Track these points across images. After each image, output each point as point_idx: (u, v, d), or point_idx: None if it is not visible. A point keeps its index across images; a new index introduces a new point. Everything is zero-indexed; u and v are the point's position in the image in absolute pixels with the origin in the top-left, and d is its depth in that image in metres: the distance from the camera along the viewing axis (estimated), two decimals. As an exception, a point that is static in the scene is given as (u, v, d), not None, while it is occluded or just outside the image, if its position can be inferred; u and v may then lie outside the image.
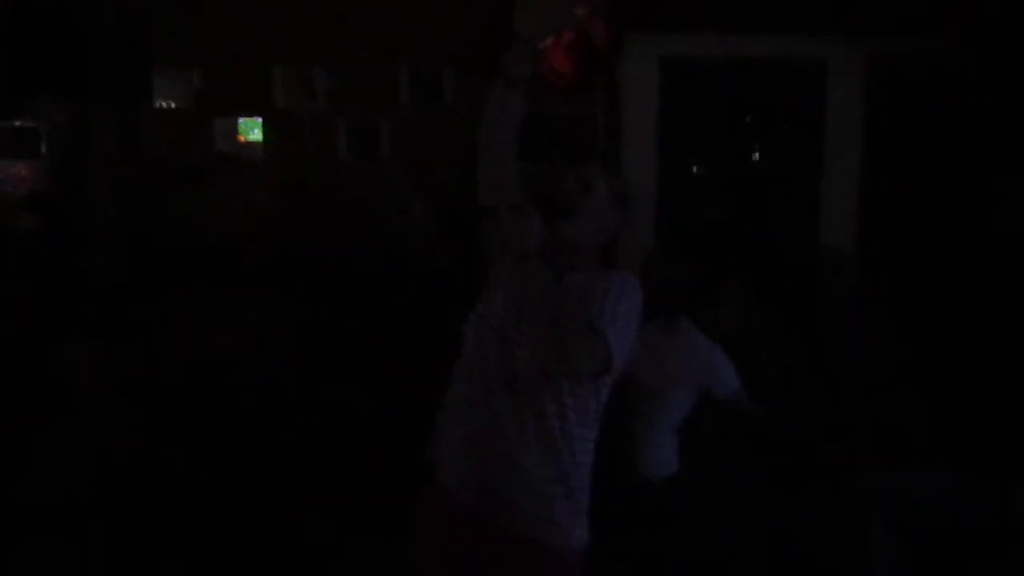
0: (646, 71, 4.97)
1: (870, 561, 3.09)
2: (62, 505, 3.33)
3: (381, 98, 5.22)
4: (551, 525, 1.94)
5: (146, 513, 3.39)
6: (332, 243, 5.13)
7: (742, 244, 5.09)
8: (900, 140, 4.66)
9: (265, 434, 3.93)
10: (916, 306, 3.92)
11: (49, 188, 5.21)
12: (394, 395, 4.13)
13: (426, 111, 5.18)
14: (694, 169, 5.27)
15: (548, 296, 1.90)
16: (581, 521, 2.01)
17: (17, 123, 5.29)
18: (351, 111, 5.25)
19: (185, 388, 3.97)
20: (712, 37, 4.83)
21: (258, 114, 5.41)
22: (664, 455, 3.12)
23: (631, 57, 4.95)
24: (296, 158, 5.33)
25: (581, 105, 4.97)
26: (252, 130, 5.46)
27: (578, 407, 1.94)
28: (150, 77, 5.46)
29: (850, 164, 4.76)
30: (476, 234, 2.13)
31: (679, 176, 5.13)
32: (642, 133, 5.00)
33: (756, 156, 5.21)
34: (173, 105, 5.51)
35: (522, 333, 1.92)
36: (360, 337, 4.51)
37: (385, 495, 3.42)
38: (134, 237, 4.85)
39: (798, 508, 3.27)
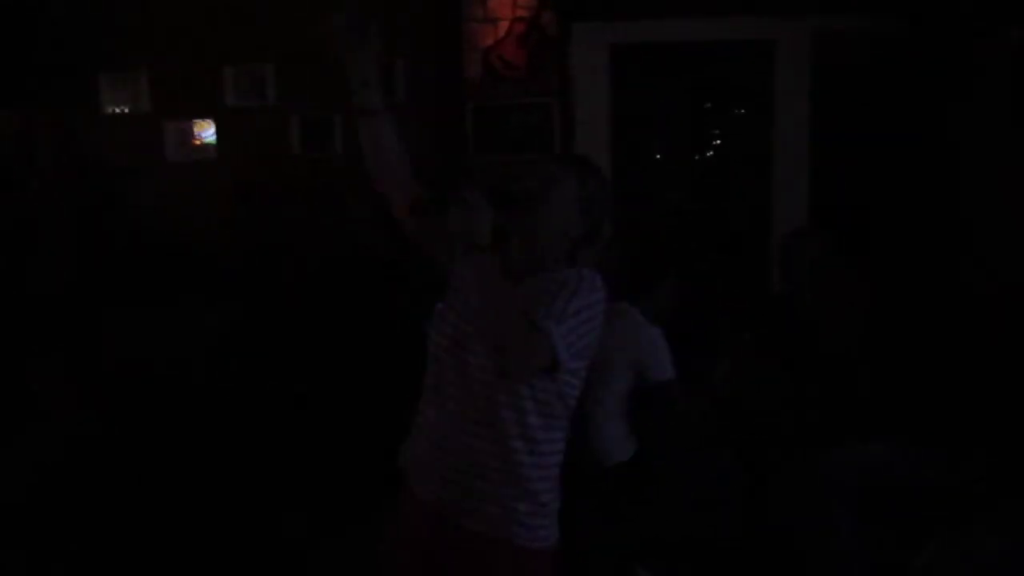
0: (596, 59, 4.98)
1: (831, 534, 3.14)
2: (19, 515, 3.29)
3: (333, 94, 5.20)
4: (514, 526, 1.91)
5: (103, 524, 3.35)
6: (289, 239, 5.10)
7: (697, 226, 5.13)
8: (848, 116, 4.71)
9: (226, 436, 3.90)
10: (869, 279, 3.97)
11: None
12: (357, 390, 4.12)
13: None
14: (650, 154, 5.29)
15: (496, 293, 1.84)
16: (548, 521, 1.97)
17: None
18: (303, 107, 5.22)
19: (139, 394, 3.93)
20: (658, 23, 4.86)
21: (209, 115, 5.37)
22: (615, 441, 3.13)
23: (581, 45, 4.97)
24: (249, 156, 5.29)
25: (534, 95, 4.97)
26: (205, 131, 5.41)
27: (539, 409, 1.88)
28: (97, 81, 5.40)
29: (800, 142, 4.80)
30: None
31: (632, 162, 5.15)
32: (595, 120, 5.02)
33: (708, 139, 5.24)
34: (125, 109, 5.45)
35: (472, 332, 1.88)
36: (321, 334, 4.50)
37: (354, 496, 3.42)
38: (82, 243, 4.79)
39: (757, 486, 3.30)
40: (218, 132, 5.39)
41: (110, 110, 5.46)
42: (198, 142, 5.44)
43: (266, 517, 3.59)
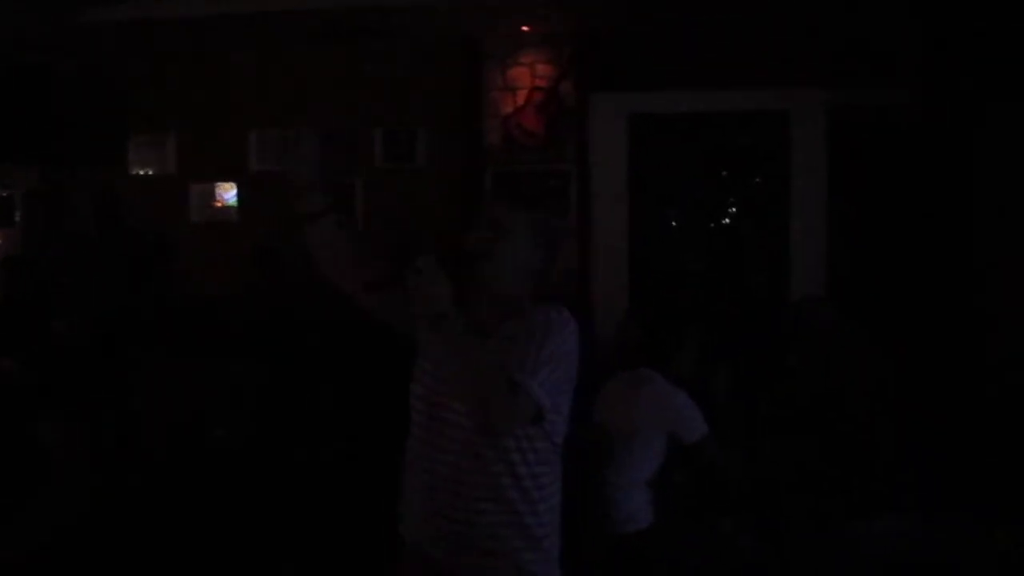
0: (614, 128, 5.08)
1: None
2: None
3: (356, 159, 5.30)
4: (517, 573, 1.92)
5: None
6: (308, 301, 5.14)
7: (714, 292, 5.14)
8: (862, 186, 4.77)
9: (240, 497, 3.88)
10: (887, 349, 3.96)
11: (23, 254, 5.22)
12: (372, 456, 4.10)
13: (398, 171, 5.25)
14: (667, 221, 5.35)
15: (468, 355, 1.79)
16: (550, 569, 1.96)
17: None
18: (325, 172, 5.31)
19: (158, 454, 3.93)
20: (678, 93, 4.96)
21: (233, 178, 5.47)
22: (636, 508, 3.11)
23: (599, 115, 5.07)
24: (271, 220, 5.37)
25: (552, 162, 5.06)
26: (227, 193, 5.52)
27: (527, 458, 1.89)
28: (125, 144, 5.53)
29: (816, 211, 4.85)
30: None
31: (650, 228, 5.21)
32: (613, 188, 5.09)
33: (725, 206, 5.30)
34: (151, 171, 5.58)
35: (448, 395, 1.89)
36: (335, 398, 4.50)
37: (360, 556, 3.39)
38: (109, 302, 4.85)
39: (775, 557, 3.25)
40: (240, 195, 5.49)
41: (137, 172, 5.58)
42: (220, 204, 5.54)
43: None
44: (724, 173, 5.32)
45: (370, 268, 2.03)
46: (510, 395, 1.76)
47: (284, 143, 5.37)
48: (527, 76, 5.07)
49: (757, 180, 5.28)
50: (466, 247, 1.93)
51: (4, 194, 5.34)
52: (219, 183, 5.52)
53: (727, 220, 5.30)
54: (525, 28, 4.99)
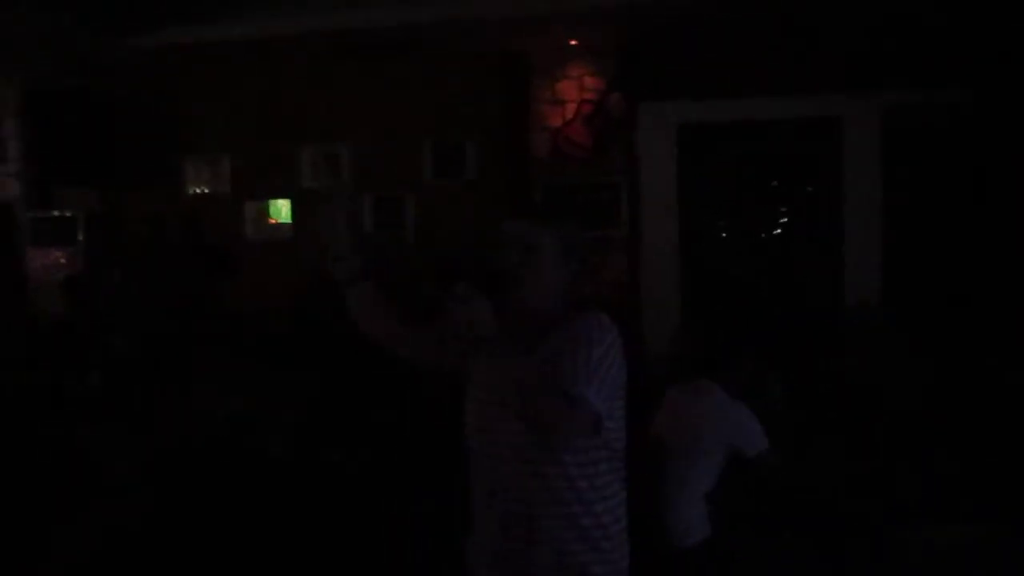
0: (663, 138, 5.06)
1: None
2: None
3: (405, 175, 5.36)
4: None
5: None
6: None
7: (767, 303, 5.08)
8: (917, 190, 4.69)
9: (292, 512, 3.91)
10: (942, 356, 3.89)
11: (85, 273, 5.35)
12: (422, 473, 4.11)
13: (447, 185, 5.29)
14: (717, 231, 5.30)
15: (517, 375, 1.82)
16: None
17: (55, 212, 5.48)
18: (376, 187, 5.38)
19: (211, 469, 3.98)
20: (726, 102, 4.93)
21: (287, 195, 5.56)
22: (695, 521, 3.08)
23: (648, 125, 5.06)
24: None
25: (601, 174, 5.05)
26: (281, 211, 5.61)
27: (583, 463, 1.89)
28: (180, 165, 5.66)
29: (871, 218, 4.78)
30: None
31: (700, 238, 5.17)
32: (662, 199, 5.07)
33: (776, 216, 5.23)
34: (206, 190, 5.70)
35: (504, 416, 1.88)
36: (385, 412, 4.52)
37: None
38: (164, 319, 4.95)
39: (835, 570, 3.20)
40: (294, 211, 5.57)
41: (192, 191, 5.70)
42: (274, 221, 5.63)
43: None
44: (775, 182, 5.26)
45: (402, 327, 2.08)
46: (569, 409, 1.77)
47: (331, 159, 5.47)
48: (575, 89, 5.08)
49: (809, 188, 5.21)
50: (497, 269, 1.93)
51: (67, 215, 5.49)
52: (272, 200, 5.61)
53: (779, 229, 5.24)
54: (573, 41, 5.00)
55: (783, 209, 5.24)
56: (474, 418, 2.00)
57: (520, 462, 1.90)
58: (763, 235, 5.25)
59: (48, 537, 3.39)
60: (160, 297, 5.07)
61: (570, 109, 5.09)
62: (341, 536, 3.76)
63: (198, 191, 5.71)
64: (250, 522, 3.72)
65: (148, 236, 5.35)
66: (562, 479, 1.88)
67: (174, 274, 5.14)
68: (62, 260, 5.42)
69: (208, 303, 5.10)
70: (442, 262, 4.78)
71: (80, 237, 5.45)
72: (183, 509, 3.67)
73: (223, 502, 3.80)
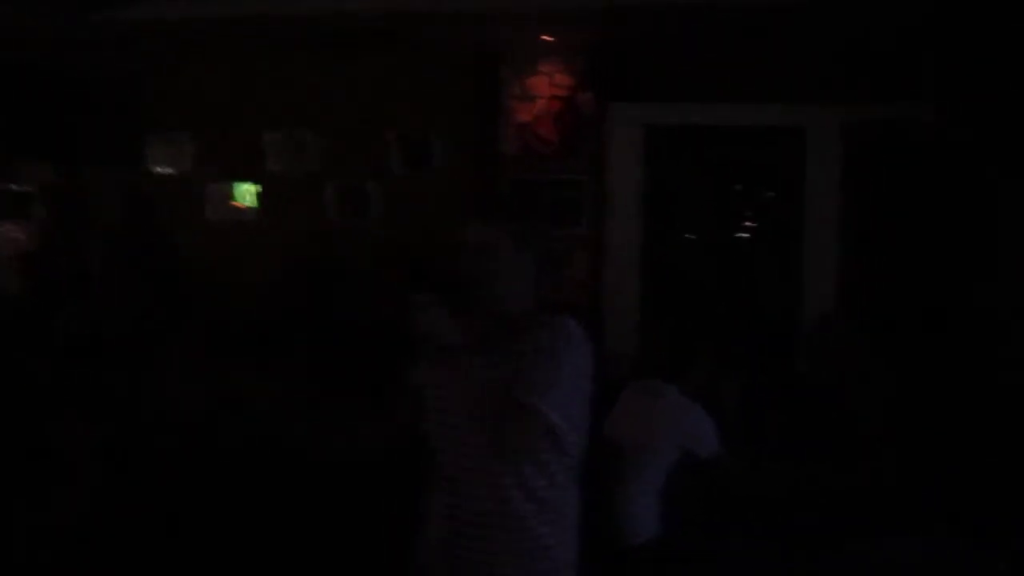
0: (630, 139, 5.10)
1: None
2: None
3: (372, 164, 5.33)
4: None
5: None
6: (321, 303, 5.17)
7: (727, 306, 5.15)
8: (877, 201, 4.78)
9: (250, 497, 3.89)
10: (902, 364, 3.97)
11: (40, 249, 5.25)
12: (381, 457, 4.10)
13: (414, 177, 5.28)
14: (680, 233, 5.36)
15: (473, 383, 1.84)
16: None
17: (13, 187, 5.37)
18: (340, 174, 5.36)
19: (168, 450, 3.95)
20: (693, 106, 4.97)
21: (252, 179, 5.51)
22: (646, 519, 3.13)
23: (616, 125, 5.09)
24: (288, 221, 5.40)
25: (568, 171, 5.07)
26: (244, 195, 5.55)
27: (543, 471, 1.89)
28: (141, 143, 5.57)
29: (830, 225, 4.86)
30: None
31: (663, 240, 5.22)
32: (627, 199, 5.11)
33: (739, 219, 5.30)
34: (168, 170, 5.61)
35: (466, 426, 1.89)
36: (345, 400, 4.51)
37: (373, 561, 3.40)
38: (124, 297, 4.88)
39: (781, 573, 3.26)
40: (258, 195, 5.52)
41: (153, 169, 5.62)
42: (238, 204, 5.58)
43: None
44: (739, 187, 5.33)
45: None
46: (520, 420, 1.78)
47: (297, 146, 5.43)
48: (545, 85, 5.08)
49: (771, 194, 5.29)
50: (457, 277, 1.92)
51: (25, 189, 5.38)
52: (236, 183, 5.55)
53: (741, 234, 5.31)
54: (546, 37, 5.01)
55: (746, 214, 5.32)
56: (435, 426, 2.00)
57: (479, 471, 1.90)
58: (726, 239, 5.31)
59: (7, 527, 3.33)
60: (114, 277, 5.00)
61: (539, 105, 5.08)
62: (303, 523, 3.74)
63: (159, 170, 5.63)
64: (210, 510, 3.69)
65: (104, 215, 5.27)
66: (518, 488, 1.89)
67: (125, 254, 5.07)
68: (18, 235, 5.31)
69: (161, 285, 5.03)
70: (410, 260, 4.77)
71: (37, 213, 5.36)
72: (137, 496, 3.63)
73: (182, 490, 3.76)
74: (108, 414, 4.04)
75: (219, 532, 3.58)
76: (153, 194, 5.50)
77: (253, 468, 3.84)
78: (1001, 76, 4.35)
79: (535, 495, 1.90)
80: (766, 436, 3.69)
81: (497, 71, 5.16)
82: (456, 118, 5.26)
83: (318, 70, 5.34)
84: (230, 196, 5.57)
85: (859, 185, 4.84)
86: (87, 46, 5.25)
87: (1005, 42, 4.28)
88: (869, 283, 4.77)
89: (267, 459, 3.88)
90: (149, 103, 5.60)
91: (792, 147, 4.96)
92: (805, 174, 4.93)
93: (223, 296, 5.17)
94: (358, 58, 5.25)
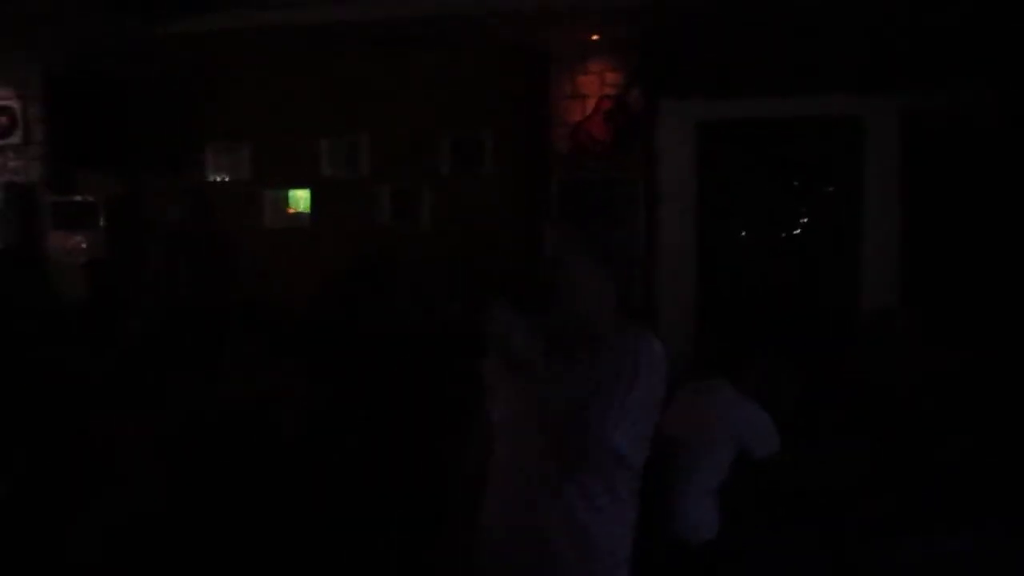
0: (682, 136, 5.05)
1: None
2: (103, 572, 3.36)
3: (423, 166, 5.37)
4: None
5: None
6: (376, 307, 5.21)
7: (784, 303, 5.06)
8: (938, 191, 4.65)
9: (306, 499, 3.94)
10: (962, 360, 3.86)
11: (106, 258, 5.40)
12: (427, 462, 4.12)
13: (465, 178, 5.31)
14: (736, 231, 5.28)
15: (549, 397, 1.85)
16: None
17: (78, 197, 5.53)
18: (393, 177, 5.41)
19: (227, 451, 4.01)
20: (746, 101, 4.90)
21: (307, 184, 5.59)
22: (704, 518, 3.10)
23: (667, 122, 5.05)
24: (342, 225, 5.47)
25: (620, 170, 5.04)
26: (299, 200, 5.64)
27: (605, 486, 1.90)
28: (202, 152, 5.70)
29: (891, 218, 4.75)
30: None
31: (718, 238, 5.15)
32: (681, 197, 5.05)
33: (796, 216, 5.21)
34: (227, 178, 5.73)
35: (528, 434, 1.90)
36: (398, 402, 4.54)
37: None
38: (184, 303, 4.99)
39: (841, 573, 3.19)
40: (313, 200, 5.60)
41: (213, 178, 5.75)
42: (292, 210, 5.67)
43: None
44: (795, 182, 5.23)
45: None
46: (589, 443, 1.80)
47: (349, 150, 5.49)
48: (595, 84, 5.06)
49: (829, 188, 5.18)
50: (531, 290, 1.92)
51: (89, 200, 5.53)
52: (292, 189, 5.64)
53: (798, 230, 5.21)
54: (594, 36, 4.99)
55: (802, 209, 5.22)
56: (504, 433, 2.00)
57: (543, 481, 1.91)
58: (782, 235, 5.22)
59: (64, 525, 3.41)
60: (178, 282, 5.12)
61: (589, 104, 5.07)
62: (351, 517, 3.77)
63: (218, 179, 5.75)
64: (264, 505, 3.74)
65: (165, 222, 5.40)
66: (581, 499, 1.89)
67: (189, 260, 5.19)
68: (83, 244, 5.47)
69: (224, 289, 5.14)
70: (463, 268, 4.78)
71: (101, 222, 5.50)
72: (196, 493, 3.69)
73: (236, 486, 3.82)
74: (166, 413, 4.11)
75: (267, 532, 3.63)
76: (212, 199, 5.62)
77: (304, 469, 3.88)
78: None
79: (596, 504, 1.91)
80: (825, 433, 3.63)
81: (547, 71, 5.16)
82: (507, 119, 5.28)
83: (370, 74, 5.41)
84: (286, 202, 5.66)
85: (920, 175, 4.72)
86: (149, 57, 5.39)
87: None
88: (931, 277, 4.65)
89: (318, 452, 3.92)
90: (208, 112, 5.72)
91: (850, 139, 4.86)
92: (864, 166, 4.83)
93: (281, 300, 5.25)
94: (408, 61, 5.30)
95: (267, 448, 3.92)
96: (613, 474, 1.90)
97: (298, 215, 5.64)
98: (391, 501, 3.79)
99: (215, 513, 3.69)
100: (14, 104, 5.53)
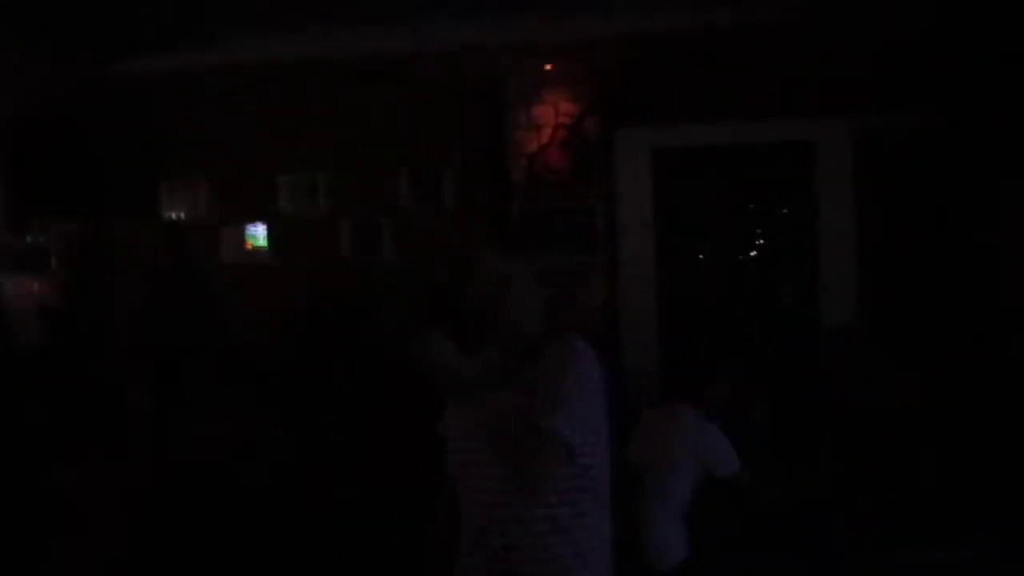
0: (639, 163, 5.10)
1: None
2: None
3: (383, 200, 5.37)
4: None
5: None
6: (337, 342, 5.17)
7: (745, 323, 5.12)
8: (891, 212, 4.75)
9: (271, 544, 3.87)
10: (921, 374, 3.93)
11: (58, 302, 5.29)
12: (399, 497, 4.08)
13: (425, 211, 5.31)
14: (694, 254, 5.34)
15: (493, 416, 1.83)
16: None
17: (28, 239, 5.42)
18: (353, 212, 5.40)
19: (193, 497, 3.94)
20: (701, 127, 4.98)
21: (266, 221, 5.55)
22: (672, 541, 3.10)
23: (624, 150, 5.10)
24: (302, 261, 5.44)
25: (578, 198, 5.07)
26: (257, 237, 5.60)
27: (565, 498, 1.88)
28: (158, 191, 5.64)
29: (845, 239, 4.83)
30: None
31: (677, 262, 5.20)
32: (639, 222, 5.10)
33: (752, 238, 5.28)
34: (183, 215, 5.67)
35: (487, 459, 1.86)
36: (364, 438, 4.50)
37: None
38: (143, 346, 4.90)
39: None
40: (272, 237, 5.57)
41: (170, 216, 5.68)
42: (250, 246, 5.62)
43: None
44: (751, 205, 5.31)
45: None
46: (538, 444, 1.76)
47: (308, 186, 5.48)
48: (551, 114, 5.10)
49: (784, 211, 5.27)
50: (469, 305, 1.91)
51: (42, 242, 5.43)
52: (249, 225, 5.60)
53: (755, 252, 5.28)
54: (548, 67, 5.04)
55: (758, 231, 5.29)
56: (458, 463, 1.99)
57: (503, 506, 1.88)
58: (739, 257, 5.29)
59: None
60: (159, 323, 5.01)
61: (546, 134, 5.10)
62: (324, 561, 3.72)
63: (175, 216, 5.69)
64: (226, 551, 3.67)
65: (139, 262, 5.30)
66: (545, 521, 1.87)
67: (174, 300, 5.09)
68: (36, 289, 5.36)
69: (208, 330, 5.04)
70: (425, 296, 4.76)
71: (54, 265, 5.40)
72: (158, 544, 3.62)
73: (199, 533, 3.75)
74: (124, 460, 4.03)
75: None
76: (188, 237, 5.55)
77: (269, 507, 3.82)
78: (1006, 81, 4.34)
79: (560, 524, 1.88)
80: (793, 451, 3.67)
81: (504, 103, 5.20)
82: (465, 151, 5.30)
83: (327, 110, 5.40)
84: (244, 239, 5.61)
85: (872, 196, 4.82)
86: (101, 98, 5.34)
87: (1009, 48, 4.28)
88: (888, 292, 4.73)
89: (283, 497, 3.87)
90: (165, 150, 5.67)
91: (803, 162, 4.95)
92: (816, 188, 4.92)
93: (241, 338, 5.19)
94: (364, 97, 5.31)
95: (229, 499, 3.85)
96: (569, 484, 1.87)
97: (256, 251, 5.59)
98: (357, 552, 3.74)
99: (178, 564, 3.62)
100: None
